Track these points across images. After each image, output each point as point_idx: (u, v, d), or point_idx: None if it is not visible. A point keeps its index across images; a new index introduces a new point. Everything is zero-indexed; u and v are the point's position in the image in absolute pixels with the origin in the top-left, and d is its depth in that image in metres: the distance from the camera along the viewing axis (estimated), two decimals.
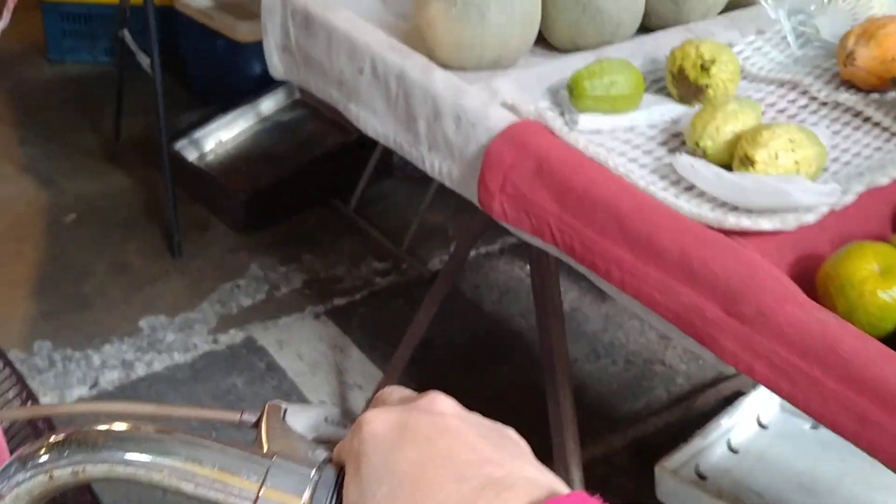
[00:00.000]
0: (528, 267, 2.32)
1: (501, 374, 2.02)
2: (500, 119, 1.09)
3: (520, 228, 1.08)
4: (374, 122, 1.19)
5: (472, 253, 2.39)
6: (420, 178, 2.64)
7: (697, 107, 1.14)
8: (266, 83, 2.75)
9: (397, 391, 0.46)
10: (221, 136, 2.66)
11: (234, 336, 2.07)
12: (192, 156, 2.58)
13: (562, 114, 1.14)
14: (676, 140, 1.13)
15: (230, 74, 2.74)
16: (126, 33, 2.29)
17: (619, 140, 1.13)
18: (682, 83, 1.15)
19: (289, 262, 2.31)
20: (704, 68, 1.12)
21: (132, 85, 2.89)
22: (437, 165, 1.13)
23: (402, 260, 2.35)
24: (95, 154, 2.63)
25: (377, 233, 2.42)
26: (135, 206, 2.45)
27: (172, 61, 2.65)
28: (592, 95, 1.11)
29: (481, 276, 2.30)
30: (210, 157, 2.61)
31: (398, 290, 2.25)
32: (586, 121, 1.12)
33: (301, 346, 2.07)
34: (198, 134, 2.60)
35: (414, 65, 1.14)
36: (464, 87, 1.13)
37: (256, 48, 2.73)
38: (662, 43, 1.25)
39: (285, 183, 2.44)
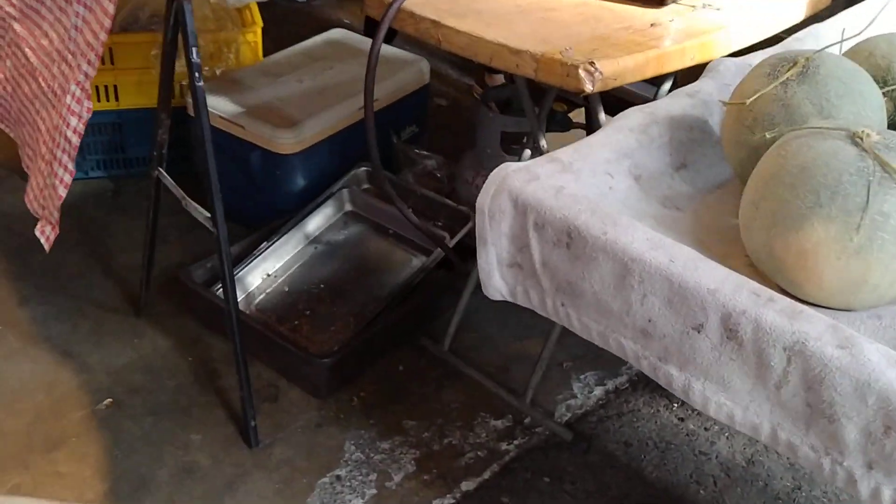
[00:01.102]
0: (675, 406, 1.95)
1: None
2: None
3: None
4: (728, 403, 0.81)
5: (599, 391, 2.01)
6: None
7: None
8: (309, 197, 2.32)
9: None
10: (267, 267, 2.21)
11: None
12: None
13: None
14: None
15: (267, 192, 2.29)
16: (163, 174, 1.82)
17: None
18: None
19: (390, 433, 1.88)
20: None
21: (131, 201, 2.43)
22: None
23: (521, 413, 1.94)
24: (117, 308, 2.14)
25: (483, 377, 2.01)
26: (183, 377, 1.98)
27: (188, 176, 2.17)
28: None
29: (627, 427, 1.91)
30: (260, 298, 2.15)
31: (535, 459, 1.84)
32: None
33: None
34: (240, 270, 2.14)
35: (816, 330, 0.76)
36: None
37: (298, 159, 2.33)
38: None
39: (372, 331, 2.00)
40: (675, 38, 1.45)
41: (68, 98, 1.50)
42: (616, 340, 0.89)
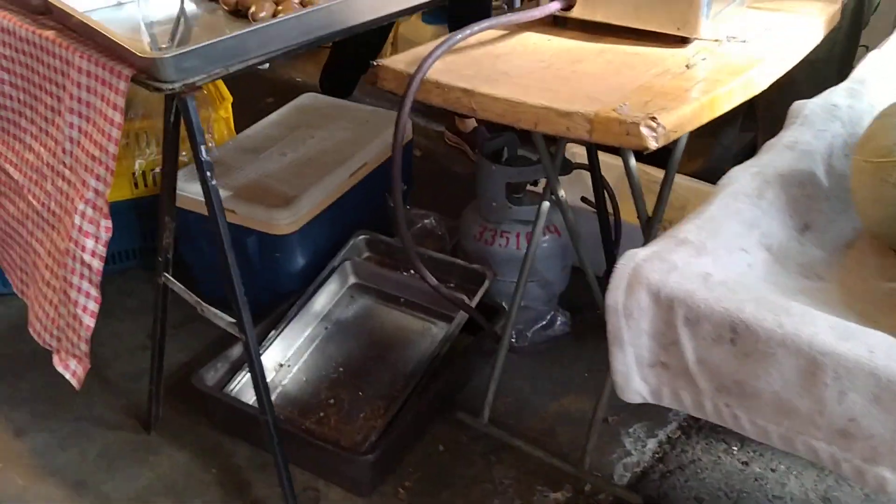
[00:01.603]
0: (735, 449, 1.87)
1: None
2: None
3: None
4: None
5: (652, 443, 1.92)
6: (537, 352, 2.15)
7: None
8: (311, 275, 2.19)
9: None
10: (279, 357, 2.07)
11: None
12: (253, 397, 1.97)
13: None
14: None
15: (267, 275, 2.15)
16: (170, 279, 1.67)
17: None
18: None
19: None
20: None
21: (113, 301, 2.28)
22: None
23: (580, 480, 1.83)
24: (124, 424, 1.98)
25: (531, 447, 1.90)
26: (211, 493, 1.82)
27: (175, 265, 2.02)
28: None
29: (693, 480, 1.82)
30: (278, 391, 2.01)
31: None
32: None
33: None
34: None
35: None
36: None
37: (296, 237, 2.20)
38: None
39: (407, 415, 1.87)
40: (719, 80, 1.39)
41: (77, 218, 1.35)
42: (805, 443, 0.80)
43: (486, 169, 2.12)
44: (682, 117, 1.29)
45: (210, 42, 1.23)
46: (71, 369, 1.57)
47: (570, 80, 1.42)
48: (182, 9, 1.43)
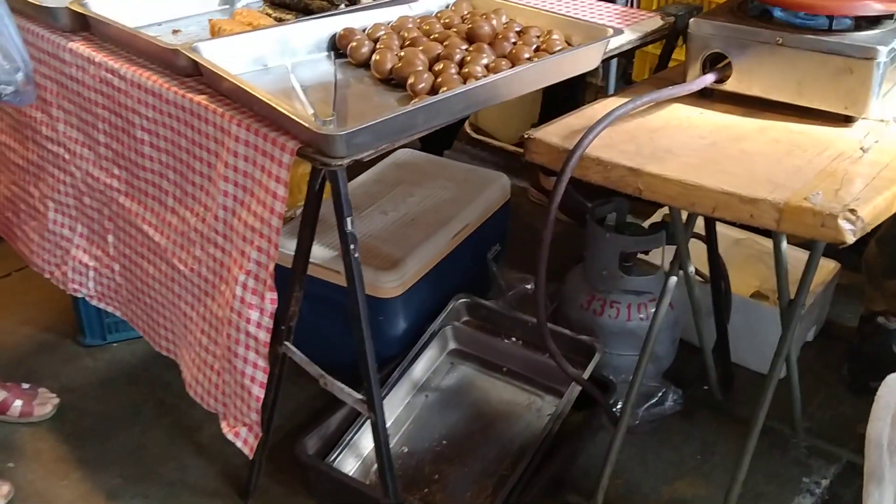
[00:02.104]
0: None
1: None
2: None
3: None
4: None
5: None
6: (647, 431, 2.05)
7: None
8: (411, 339, 2.11)
9: None
10: None
11: None
12: (352, 467, 1.88)
13: None
14: None
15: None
16: (291, 348, 1.60)
17: None
18: None
19: None
20: None
21: None
22: None
23: None
24: (219, 491, 1.89)
25: None
26: None
27: None
28: None
29: None
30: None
31: None
32: None
33: None
34: (352, 434, 1.91)
35: None
36: None
37: (401, 300, 2.12)
38: None
39: (517, 497, 1.77)
40: None
41: (238, 289, 1.29)
42: None
43: (599, 236, 2.04)
44: (877, 208, 1.21)
45: (384, 118, 1.17)
46: (242, 437, 1.50)
47: (740, 161, 1.35)
48: (336, 78, 1.37)
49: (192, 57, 1.33)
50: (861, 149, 1.38)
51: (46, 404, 2.07)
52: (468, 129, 3.23)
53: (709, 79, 1.52)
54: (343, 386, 1.52)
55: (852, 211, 1.17)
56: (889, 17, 1.50)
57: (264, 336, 1.34)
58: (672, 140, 1.42)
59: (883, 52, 1.41)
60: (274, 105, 1.20)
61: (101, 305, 1.77)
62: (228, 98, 1.32)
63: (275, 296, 1.31)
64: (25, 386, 2.08)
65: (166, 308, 1.51)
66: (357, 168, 2.44)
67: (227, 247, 1.30)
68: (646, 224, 2.13)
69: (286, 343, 1.60)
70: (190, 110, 1.33)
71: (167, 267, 1.45)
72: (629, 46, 1.67)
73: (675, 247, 1.82)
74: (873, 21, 1.50)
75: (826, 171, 1.30)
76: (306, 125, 1.16)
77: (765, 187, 1.25)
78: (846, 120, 1.47)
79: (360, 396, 1.48)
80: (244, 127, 1.25)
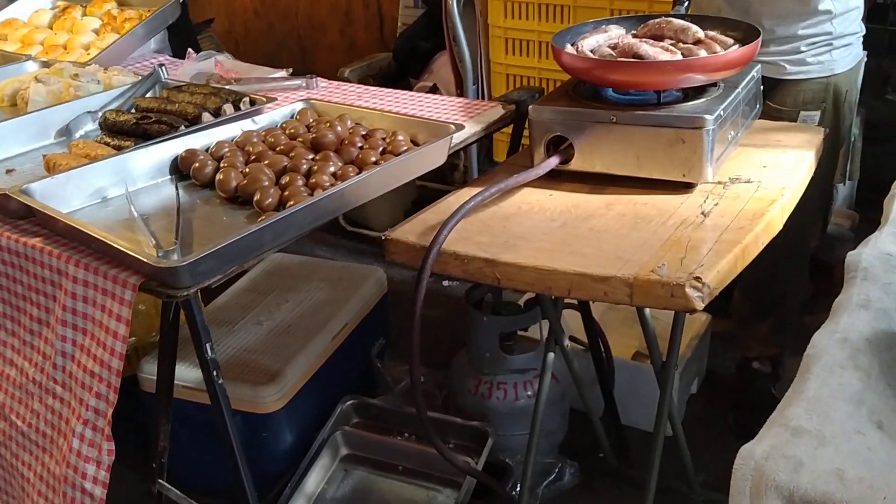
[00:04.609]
0: None
1: None
2: None
3: None
4: None
5: None
6: None
7: None
8: (300, 451, 2.04)
9: None
10: None
11: None
12: None
13: None
14: None
15: (253, 458, 1.94)
16: (165, 485, 1.51)
17: None
18: None
19: None
20: None
21: None
22: None
23: None
24: None
25: None
26: None
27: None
28: None
29: None
30: None
31: None
32: None
33: None
34: None
35: None
36: None
37: (284, 413, 2.05)
38: None
39: None
40: (742, 226, 1.36)
41: (76, 441, 1.20)
42: None
43: (478, 320, 2.04)
44: (721, 272, 1.25)
45: (228, 242, 1.14)
46: None
47: (590, 240, 1.38)
48: (178, 203, 1.34)
49: (23, 200, 1.27)
50: (702, 213, 1.43)
51: None
52: (343, 223, 3.22)
53: (553, 162, 1.56)
54: None
55: (697, 279, 1.21)
56: (714, 84, 1.59)
57: (100, 492, 1.25)
58: (524, 226, 1.44)
59: (710, 120, 1.48)
60: (109, 242, 1.15)
61: None
62: (64, 237, 1.26)
63: (112, 446, 1.23)
64: None
65: (5, 470, 1.40)
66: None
67: (66, 396, 1.23)
68: (522, 301, 2.16)
69: (160, 481, 1.52)
70: (24, 255, 1.26)
71: (5, 424, 1.35)
72: (475, 138, 1.71)
73: None
74: (699, 90, 1.58)
75: (671, 240, 1.35)
76: (145, 259, 1.12)
77: (614, 264, 1.28)
78: (686, 186, 1.53)
79: None
80: (82, 266, 1.20)
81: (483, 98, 2.65)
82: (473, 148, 2.86)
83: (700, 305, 1.20)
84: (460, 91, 2.75)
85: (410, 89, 2.84)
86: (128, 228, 1.29)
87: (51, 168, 1.46)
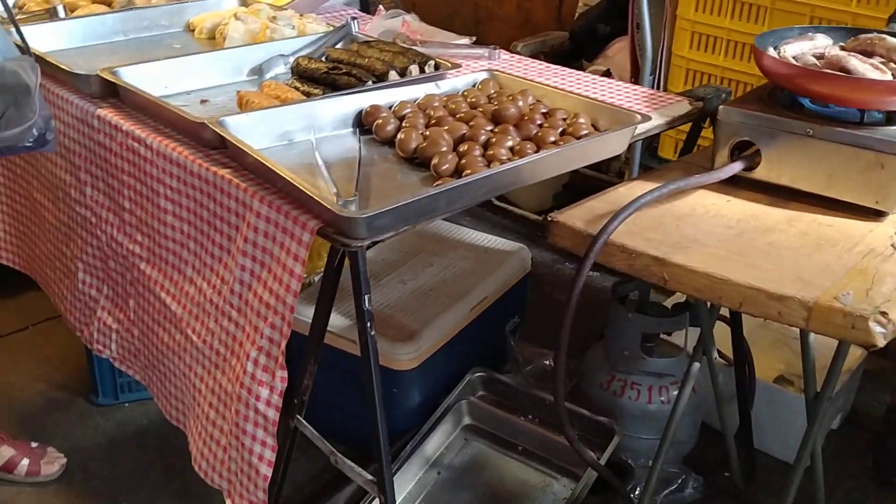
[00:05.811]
0: None
1: None
2: None
3: None
4: None
5: None
6: None
7: None
8: (425, 412, 2.07)
9: None
10: None
11: None
12: None
13: None
14: None
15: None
16: (303, 422, 1.56)
17: None
18: None
19: None
20: None
21: None
22: None
23: None
24: None
25: None
26: None
27: None
28: None
29: None
30: None
31: None
32: None
33: None
34: None
35: None
36: None
37: (416, 373, 2.09)
38: None
39: None
40: None
41: (249, 365, 1.27)
42: None
43: (621, 316, 2.00)
44: None
45: (406, 202, 1.16)
46: None
47: (769, 254, 1.32)
48: (360, 156, 1.37)
49: (218, 131, 1.33)
50: (892, 245, 1.35)
51: (53, 464, 2.04)
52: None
53: (737, 167, 1.51)
54: (353, 465, 1.49)
55: (883, 314, 1.14)
56: None
57: (273, 414, 1.32)
58: (698, 229, 1.39)
59: None
60: (296, 183, 1.19)
61: (123, 368, 1.76)
62: (252, 173, 1.32)
63: (285, 374, 1.29)
64: (34, 444, 2.06)
65: (178, 378, 1.49)
66: None
67: (241, 321, 1.29)
68: (669, 304, 2.10)
69: (298, 417, 1.57)
70: (213, 183, 1.32)
71: (181, 336, 1.43)
72: (656, 131, 1.66)
73: (697, 328, 1.79)
74: None
75: (856, 268, 1.27)
76: (328, 206, 1.16)
77: (794, 284, 1.22)
78: (877, 214, 1.44)
79: (370, 477, 1.44)
80: (266, 203, 1.24)
81: (658, 89, 2.57)
82: (638, 143, 2.79)
83: (882, 342, 1.14)
84: (635, 79, 2.68)
85: (582, 70, 2.79)
86: (309, 173, 1.33)
87: (243, 104, 1.52)
